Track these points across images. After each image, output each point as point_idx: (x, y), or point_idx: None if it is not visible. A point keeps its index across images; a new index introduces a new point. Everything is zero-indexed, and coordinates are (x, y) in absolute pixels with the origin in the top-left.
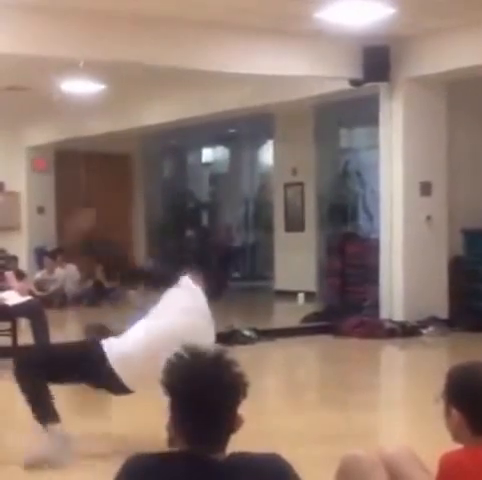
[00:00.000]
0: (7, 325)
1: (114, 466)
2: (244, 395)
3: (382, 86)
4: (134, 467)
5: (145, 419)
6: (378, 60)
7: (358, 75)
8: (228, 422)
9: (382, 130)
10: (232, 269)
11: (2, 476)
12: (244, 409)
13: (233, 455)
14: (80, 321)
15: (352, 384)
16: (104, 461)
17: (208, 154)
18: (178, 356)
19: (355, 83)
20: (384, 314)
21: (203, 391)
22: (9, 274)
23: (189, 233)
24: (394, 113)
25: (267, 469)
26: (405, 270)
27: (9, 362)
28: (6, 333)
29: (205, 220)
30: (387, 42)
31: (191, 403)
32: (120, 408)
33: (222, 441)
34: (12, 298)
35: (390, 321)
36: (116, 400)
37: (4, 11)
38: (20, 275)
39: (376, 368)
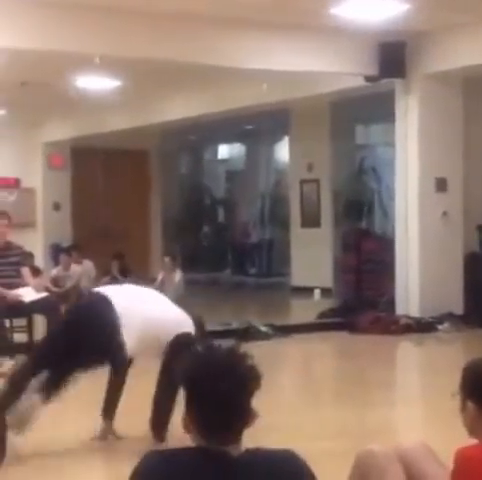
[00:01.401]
0: (23, 321)
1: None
2: (257, 387)
3: (398, 82)
4: (150, 463)
5: None
6: (394, 56)
7: (374, 71)
8: (242, 414)
9: (398, 126)
10: (248, 265)
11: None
12: (259, 404)
13: (248, 451)
14: None
15: (367, 380)
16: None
17: (224, 150)
18: (193, 350)
19: (371, 79)
20: (400, 310)
21: (217, 381)
22: (25, 270)
23: (205, 229)
24: (410, 109)
25: (282, 465)
26: (421, 266)
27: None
28: (22, 329)
29: (221, 216)
30: (403, 38)
31: (206, 394)
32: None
33: (236, 433)
34: (28, 294)
35: (406, 317)
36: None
37: (22, 7)
38: (36, 271)
39: (391, 364)
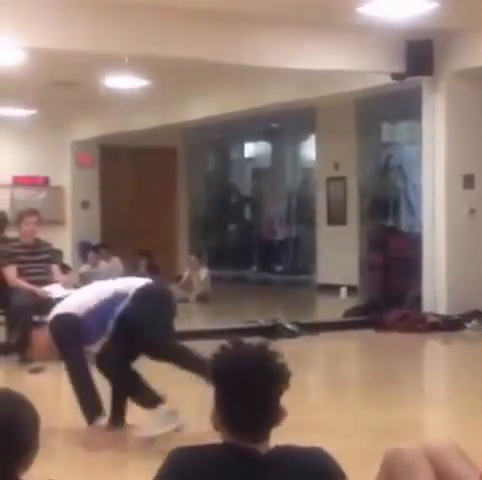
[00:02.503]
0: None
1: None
2: (287, 385)
3: (425, 80)
4: (178, 460)
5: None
6: (421, 54)
7: (401, 69)
8: (271, 411)
9: (425, 124)
10: (274, 263)
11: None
12: (285, 402)
13: (277, 448)
14: None
15: (394, 378)
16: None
17: (251, 149)
18: (222, 347)
19: (398, 77)
20: (427, 308)
21: (247, 377)
22: (55, 268)
23: (232, 227)
24: (437, 107)
25: (311, 462)
26: (448, 263)
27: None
28: None
29: (248, 214)
30: (430, 36)
31: (236, 391)
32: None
33: (265, 430)
34: (57, 291)
35: (433, 315)
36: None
37: (51, 7)
38: (65, 269)
39: (418, 362)
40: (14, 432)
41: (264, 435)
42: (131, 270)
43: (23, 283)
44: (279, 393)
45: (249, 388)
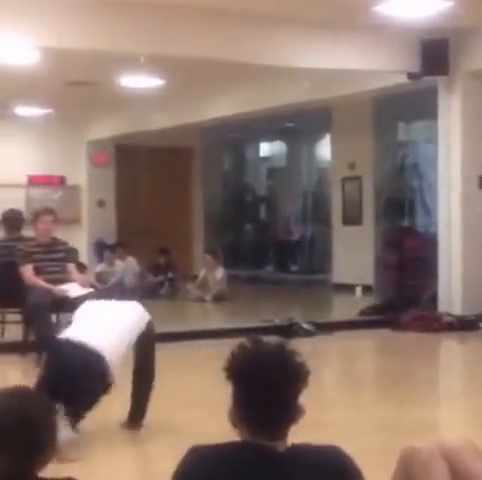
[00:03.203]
0: (69, 317)
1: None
2: (305, 383)
3: (440, 79)
4: (195, 459)
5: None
6: (437, 53)
7: (416, 69)
8: (289, 409)
9: (440, 123)
10: (290, 262)
11: None
12: (302, 400)
13: (294, 446)
14: None
15: (409, 378)
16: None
17: (266, 148)
18: (241, 345)
19: (413, 77)
20: (442, 308)
21: (266, 375)
22: (71, 266)
23: (247, 227)
24: (453, 106)
25: (329, 461)
26: (464, 263)
27: None
28: (68, 325)
29: (263, 214)
30: (446, 35)
31: (254, 388)
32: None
33: (283, 429)
34: (74, 290)
35: (448, 315)
36: None
37: (67, 7)
38: (81, 268)
39: (433, 362)
40: (30, 430)
41: (282, 433)
42: (150, 268)
43: (39, 282)
44: (297, 391)
45: (267, 386)
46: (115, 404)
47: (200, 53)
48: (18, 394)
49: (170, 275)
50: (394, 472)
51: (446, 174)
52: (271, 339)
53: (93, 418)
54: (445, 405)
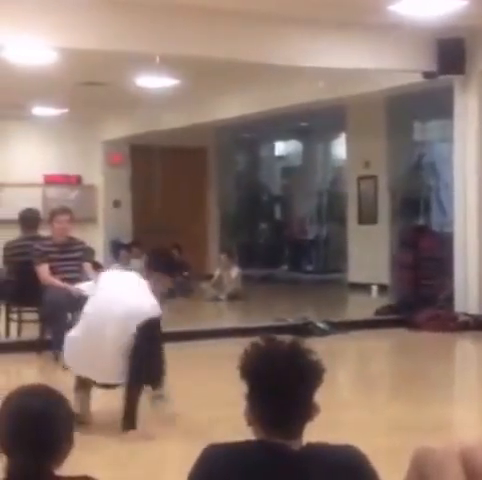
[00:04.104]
0: None
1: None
2: (320, 381)
3: (456, 78)
4: (211, 457)
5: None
6: (452, 52)
7: (432, 68)
8: (304, 407)
9: (456, 123)
10: (305, 262)
11: None
12: (317, 399)
13: (310, 445)
14: None
15: (425, 377)
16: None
17: (281, 147)
18: (254, 344)
19: (429, 76)
20: (458, 307)
21: (281, 373)
22: (87, 266)
23: (262, 226)
24: (469, 105)
25: (345, 460)
26: (480, 262)
27: None
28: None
29: (278, 213)
30: (462, 34)
31: (269, 387)
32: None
33: (298, 427)
34: (90, 289)
35: (464, 314)
36: None
37: (82, 7)
38: (97, 267)
39: (449, 362)
40: (49, 426)
41: (297, 431)
42: None
43: (56, 281)
44: (312, 389)
45: (281, 384)
46: None
47: (215, 53)
48: (38, 392)
49: (185, 273)
50: (407, 472)
51: (462, 173)
52: (285, 338)
53: (108, 414)
54: (460, 405)
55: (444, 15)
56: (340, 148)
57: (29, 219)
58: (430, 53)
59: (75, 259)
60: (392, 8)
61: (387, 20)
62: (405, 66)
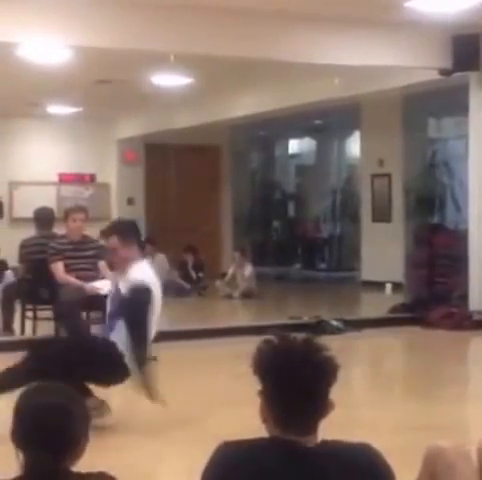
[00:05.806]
0: (100, 314)
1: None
2: (334, 377)
3: (472, 75)
4: (225, 455)
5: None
6: (468, 49)
7: (447, 65)
8: (319, 404)
9: (472, 120)
10: (318, 260)
11: None
12: (330, 397)
13: (325, 442)
14: (169, 310)
15: (439, 376)
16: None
17: (295, 145)
18: (267, 340)
19: (445, 73)
20: (473, 305)
21: (295, 370)
22: (102, 264)
23: (276, 224)
24: None
25: (359, 458)
26: None
27: None
28: (99, 322)
29: (292, 211)
30: (477, 30)
31: (284, 383)
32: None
33: (313, 424)
34: (105, 287)
35: (479, 312)
36: None
37: (98, 6)
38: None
39: (463, 360)
40: (66, 424)
41: (311, 428)
42: (179, 266)
43: (71, 279)
44: (326, 386)
45: (295, 381)
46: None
47: (228, 52)
48: (54, 389)
49: (200, 274)
50: (419, 471)
51: (477, 171)
52: (298, 335)
53: (117, 412)
54: (474, 404)
55: (459, 12)
56: (354, 146)
57: (44, 217)
58: (445, 50)
59: (89, 257)
60: (408, 5)
61: (403, 17)
62: (420, 63)
